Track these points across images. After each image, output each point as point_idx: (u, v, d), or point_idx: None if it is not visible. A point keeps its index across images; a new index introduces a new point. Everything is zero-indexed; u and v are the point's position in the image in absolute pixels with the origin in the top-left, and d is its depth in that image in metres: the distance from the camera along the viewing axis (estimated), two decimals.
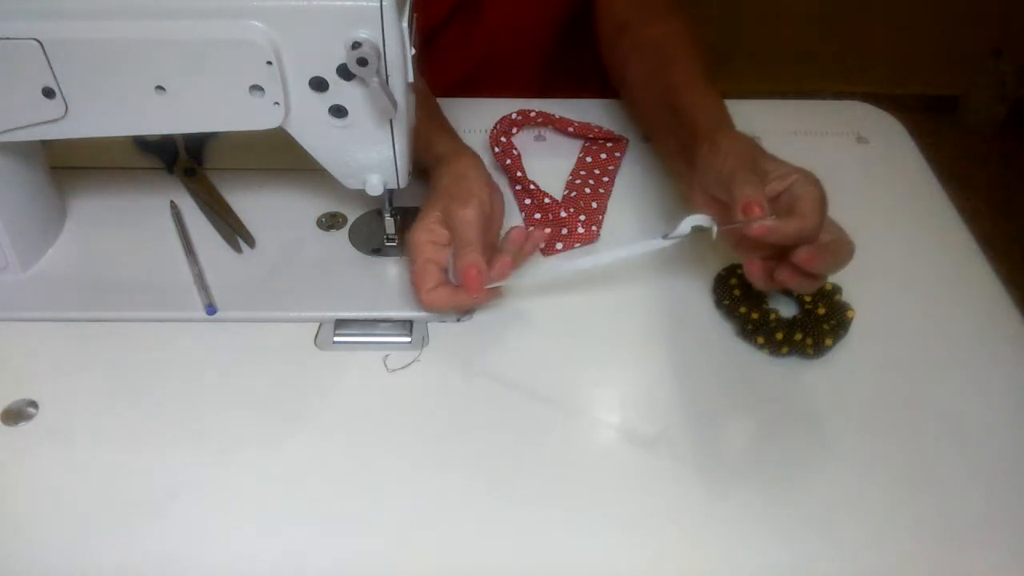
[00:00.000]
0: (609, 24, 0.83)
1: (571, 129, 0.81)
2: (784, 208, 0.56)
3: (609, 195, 0.75)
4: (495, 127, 0.80)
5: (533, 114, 0.82)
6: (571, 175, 0.77)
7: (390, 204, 0.66)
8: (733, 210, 0.55)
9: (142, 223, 0.71)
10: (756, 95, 0.84)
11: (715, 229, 0.56)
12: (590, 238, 0.70)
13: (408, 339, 0.62)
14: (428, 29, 0.86)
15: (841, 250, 0.57)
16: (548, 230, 0.69)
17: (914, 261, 0.70)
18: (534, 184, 0.74)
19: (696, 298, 0.66)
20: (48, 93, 0.55)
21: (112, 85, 0.55)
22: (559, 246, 0.70)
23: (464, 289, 0.59)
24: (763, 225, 0.53)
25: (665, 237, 0.57)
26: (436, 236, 0.62)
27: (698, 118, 0.64)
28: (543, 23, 0.91)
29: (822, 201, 0.56)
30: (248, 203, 0.72)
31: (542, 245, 0.69)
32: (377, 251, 0.69)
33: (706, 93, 0.67)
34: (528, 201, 0.73)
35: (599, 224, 0.71)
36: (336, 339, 0.62)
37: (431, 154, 0.67)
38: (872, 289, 0.65)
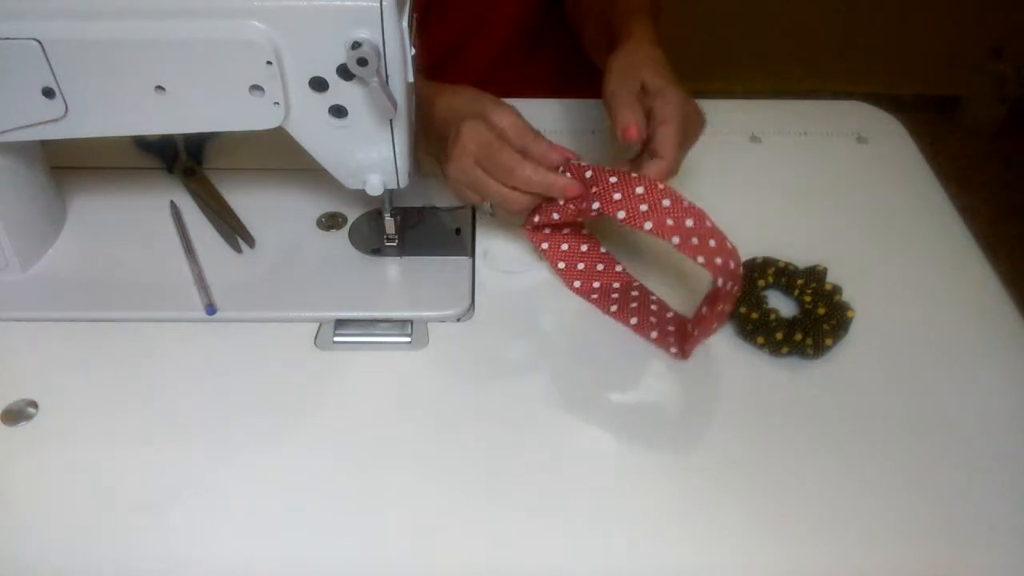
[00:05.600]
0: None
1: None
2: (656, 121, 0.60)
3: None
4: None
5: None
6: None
7: (390, 204, 0.66)
8: (614, 131, 0.59)
9: (142, 223, 0.71)
10: (756, 95, 0.85)
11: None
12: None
13: (408, 339, 0.62)
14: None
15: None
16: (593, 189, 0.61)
17: (914, 261, 0.70)
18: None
19: (696, 298, 0.65)
20: (48, 93, 0.55)
21: (112, 85, 0.55)
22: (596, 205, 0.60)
23: (547, 181, 0.59)
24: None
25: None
26: (492, 129, 0.60)
27: (620, 35, 0.67)
28: (505, 17, 0.91)
29: (683, 109, 0.60)
30: (248, 203, 0.72)
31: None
32: (377, 251, 0.69)
33: (638, 17, 0.69)
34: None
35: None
36: (336, 339, 0.62)
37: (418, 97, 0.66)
38: (872, 289, 0.65)
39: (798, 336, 0.60)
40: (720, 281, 0.57)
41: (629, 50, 0.65)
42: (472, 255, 0.69)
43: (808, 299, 0.63)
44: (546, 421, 0.57)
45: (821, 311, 0.62)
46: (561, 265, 0.66)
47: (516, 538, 0.51)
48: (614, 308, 0.64)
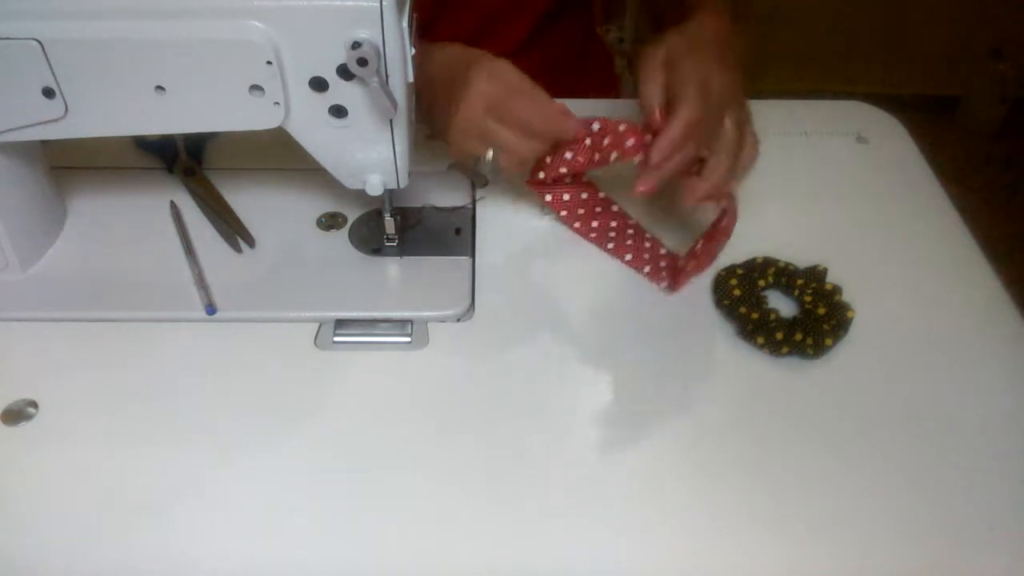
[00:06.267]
0: None
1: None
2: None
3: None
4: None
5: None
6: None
7: (390, 204, 0.66)
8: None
9: (142, 223, 0.71)
10: (756, 95, 0.85)
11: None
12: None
13: (408, 339, 0.62)
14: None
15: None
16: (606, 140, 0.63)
17: (914, 261, 0.70)
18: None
19: (696, 298, 0.66)
20: (48, 93, 0.55)
21: (112, 85, 0.55)
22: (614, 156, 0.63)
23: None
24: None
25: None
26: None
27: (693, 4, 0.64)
28: (528, 12, 0.91)
29: (709, 90, 0.57)
30: (248, 203, 0.72)
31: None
32: (377, 251, 0.69)
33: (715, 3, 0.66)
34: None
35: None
36: (336, 339, 0.62)
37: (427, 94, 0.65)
38: (872, 289, 0.65)
39: (798, 336, 0.60)
40: (720, 215, 0.61)
41: (692, 23, 0.61)
42: (472, 255, 0.69)
43: (808, 299, 0.63)
44: (546, 421, 0.57)
45: (821, 311, 0.62)
46: (563, 213, 0.70)
47: (516, 538, 0.51)
48: (610, 245, 0.69)
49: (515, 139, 0.61)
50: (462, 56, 0.64)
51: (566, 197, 0.70)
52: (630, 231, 0.70)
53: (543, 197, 0.70)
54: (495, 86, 0.60)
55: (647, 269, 0.67)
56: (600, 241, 0.69)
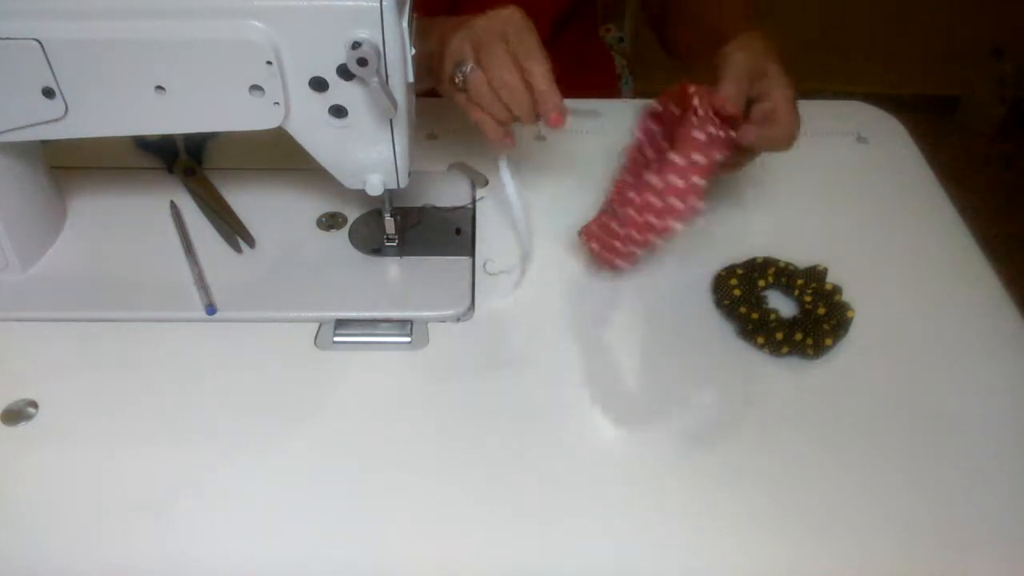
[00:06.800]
0: (655, 7, 0.87)
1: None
2: (758, 114, 0.62)
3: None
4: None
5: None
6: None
7: (390, 204, 0.66)
8: (713, 94, 0.59)
9: (142, 223, 0.71)
10: None
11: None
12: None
13: (408, 339, 0.62)
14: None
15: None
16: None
17: (914, 261, 0.70)
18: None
19: (696, 298, 0.66)
20: (48, 93, 0.55)
21: (112, 85, 0.55)
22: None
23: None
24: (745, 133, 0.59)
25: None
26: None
27: (731, 29, 0.66)
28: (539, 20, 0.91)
29: (792, 117, 0.62)
30: (248, 203, 0.72)
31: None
32: (377, 251, 0.69)
33: (744, 14, 0.69)
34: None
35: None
36: (336, 339, 0.62)
37: (435, 30, 0.64)
38: (872, 289, 0.65)
39: (798, 336, 0.60)
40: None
41: (746, 39, 0.64)
42: (472, 255, 0.69)
43: (808, 299, 0.63)
44: (546, 421, 0.57)
45: (821, 311, 0.62)
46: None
47: (516, 538, 0.51)
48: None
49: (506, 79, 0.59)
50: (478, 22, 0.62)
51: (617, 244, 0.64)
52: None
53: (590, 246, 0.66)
54: (514, 19, 0.60)
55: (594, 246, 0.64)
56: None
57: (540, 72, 0.59)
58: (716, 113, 0.58)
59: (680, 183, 0.58)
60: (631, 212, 0.61)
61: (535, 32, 0.60)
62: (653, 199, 0.60)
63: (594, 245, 0.64)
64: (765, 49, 0.64)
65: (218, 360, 0.60)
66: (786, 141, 0.62)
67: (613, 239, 0.63)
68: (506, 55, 0.59)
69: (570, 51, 0.93)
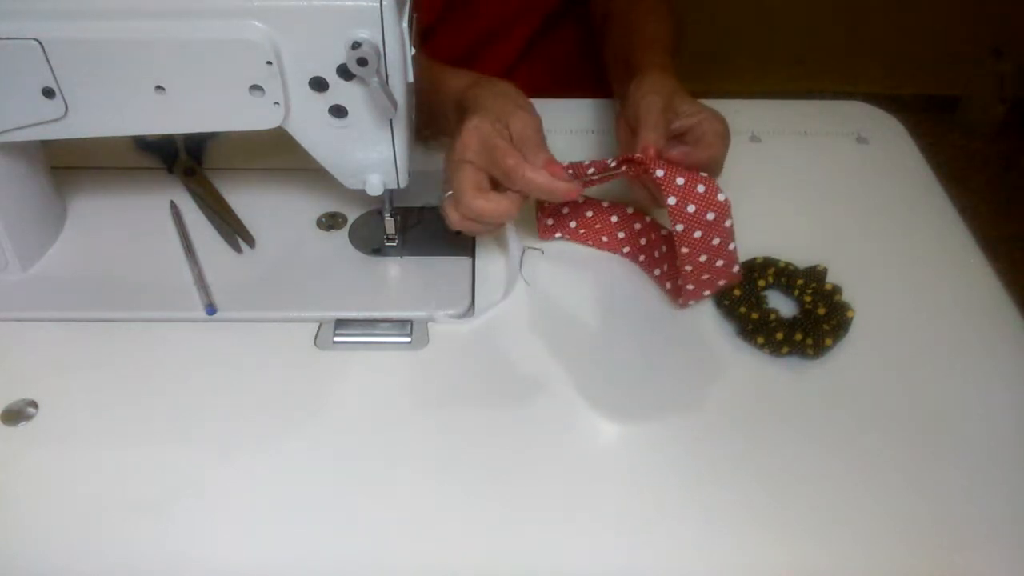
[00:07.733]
0: (598, 16, 0.89)
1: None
2: (691, 142, 0.62)
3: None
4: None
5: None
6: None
7: (390, 204, 0.66)
8: (635, 146, 0.60)
9: (142, 223, 0.71)
10: (756, 95, 0.85)
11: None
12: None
13: (408, 339, 0.62)
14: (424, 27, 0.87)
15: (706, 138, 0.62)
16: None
17: (914, 261, 0.70)
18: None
19: None
20: (48, 93, 0.55)
21: (112, 85, 0.55)
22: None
23: (549, 185, 0.58)
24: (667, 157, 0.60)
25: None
26: (500, 132, 0.59)
27: (641, 63, 0.68)
28: (533, 14, 0.91)
29: (725, 135, 0.62)
30: (248, 203, 0.72)
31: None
32: (377, 251, 0.69)
33: (656, 49, 0.71)
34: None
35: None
36: (336, 339, 0.62)
37: (449, 90, 0.65)
38: (872, 289, 0.65)
39: (798, 336, 0.60)
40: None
41: (656, 78, 0.65)
42: (472, 255, 0.69)
43: (808, 299, 0.63)
44: (546, 421, 0.57)
45: (821, 311, 0.62)
46: (583, 230, 0.70)
47: (516, 537, 0.51)
48: (641, 257, 0.68)
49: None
50: (486, 100, 0.63)
51: (572, 224, 0.69)
52: (663, 247, 0.66)
53: (552, 237, 0.70)
54: (485, 143, 0.59)
55: (668, 285, 0.65)
56: (626, 251, 0.69)
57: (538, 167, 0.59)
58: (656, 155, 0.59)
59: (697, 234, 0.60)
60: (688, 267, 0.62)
61: (524, 112, 0.61)
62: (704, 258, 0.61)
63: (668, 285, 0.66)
64: (673, 89, 0.64)
65: (218, 360, 0.60)
66: (720, 155, 0.63)
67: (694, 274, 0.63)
68: (505, 168, 0.58)
69: (569, 52, 0.93)
